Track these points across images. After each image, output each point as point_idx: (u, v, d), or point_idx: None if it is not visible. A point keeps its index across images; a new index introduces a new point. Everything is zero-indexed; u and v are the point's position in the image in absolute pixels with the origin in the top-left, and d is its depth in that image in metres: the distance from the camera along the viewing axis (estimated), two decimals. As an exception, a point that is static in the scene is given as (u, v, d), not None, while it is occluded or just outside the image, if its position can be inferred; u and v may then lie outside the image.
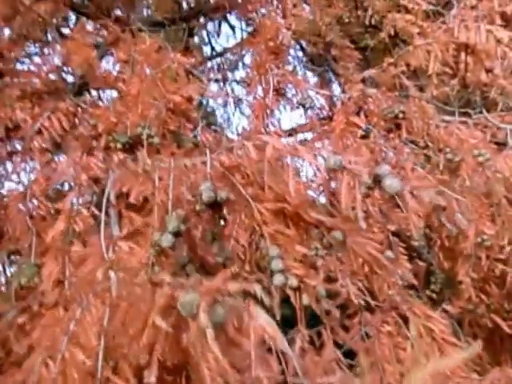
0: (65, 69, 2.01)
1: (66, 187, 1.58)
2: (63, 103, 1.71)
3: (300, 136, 2.25)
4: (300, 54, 2.85)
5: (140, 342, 0.65)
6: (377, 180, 0.84)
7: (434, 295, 1.63)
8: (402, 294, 1.20)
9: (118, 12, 2.36)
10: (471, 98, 1.97)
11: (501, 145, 1.67)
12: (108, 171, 1.32)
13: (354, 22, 2.44)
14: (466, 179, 1.54)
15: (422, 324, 1.13)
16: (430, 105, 1.80)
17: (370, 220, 1.23)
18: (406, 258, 1.38)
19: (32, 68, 1.94)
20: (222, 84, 3.09)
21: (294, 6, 2.19)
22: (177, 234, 0.89)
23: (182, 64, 1.79)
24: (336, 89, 2.66)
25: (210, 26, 3.19)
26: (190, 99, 1.75)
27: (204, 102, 2.25)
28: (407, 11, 2.13)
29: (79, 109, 1.74)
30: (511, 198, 1.50)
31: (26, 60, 2.04)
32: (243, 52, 2.91)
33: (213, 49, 3.21)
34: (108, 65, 2.08)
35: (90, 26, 2.24)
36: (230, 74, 3.12)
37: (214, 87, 3.02)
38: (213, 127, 2.28)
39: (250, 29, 2.74)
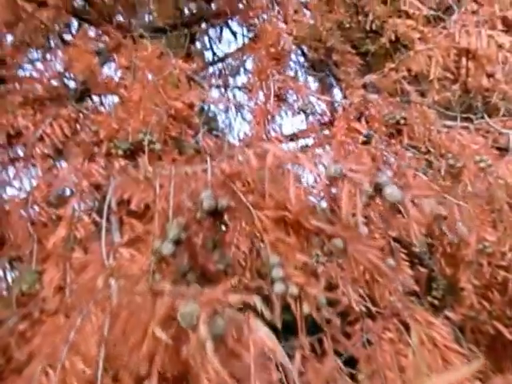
0: (67, 75, 2.02)
1: (68, 193, 1.58)
2: (65, 109, 1.72)
3: (301, 142, 2.26)
4: (301, 59, 2.85)
5: (140, 352, 0.65)
6: (377, 188, 0.84)
7: (436, 302, 1.62)
8: (403, 300, 1.19)
9: (120, 18, 2.37)
10: (473, 103, 1.97)
11: (503, 150, 1.66)
12: (109, 178, 1.32)
13: (355, 28, 2.44)
14: (467, 185, 1.53)
15: (424, 331, 1.13)
16: (432, 110, 1.80)
17: (371, 226, 1.23)
18: (407, 264, 1.38)
19: (34, 74, 1.95)
20: (223, 90, 3.11)
21: (295, 11, 2.20)
22: (177, 242, 0.89)
23: (183, 70, 1.80)
24: (337, 94, 2.66)
25: (211, 31, 3.20)
26: (191, 105, 1.75)
27: (205, 108, 2.25)
28: (408, 16, 2.13)
29: (81, 115, 1.75)
30: (513, 203, 1.49)
31: (28, 66, 2.05)
32: (244, 58, 2.92)
33: (214, 54, 3.22)
34: (110, 71, 2.08)
35: (91, 33, 2.26)
36: (231, 80, 3.13)
37: (215, 93, 3.03)
38: (214, 133, 2.28)
39: (251, 34, 2.74)
